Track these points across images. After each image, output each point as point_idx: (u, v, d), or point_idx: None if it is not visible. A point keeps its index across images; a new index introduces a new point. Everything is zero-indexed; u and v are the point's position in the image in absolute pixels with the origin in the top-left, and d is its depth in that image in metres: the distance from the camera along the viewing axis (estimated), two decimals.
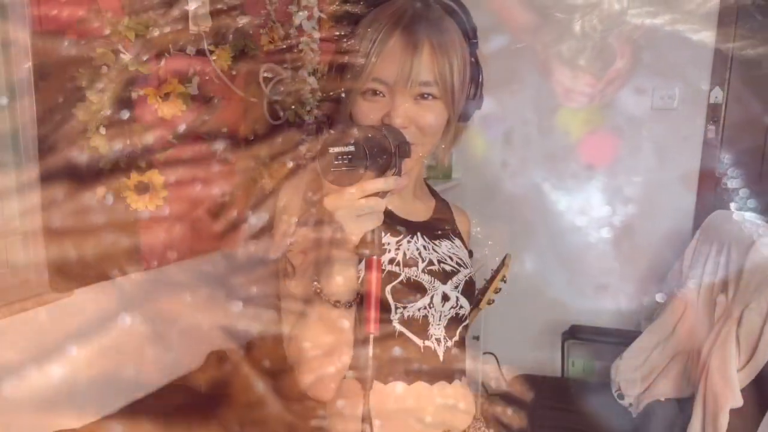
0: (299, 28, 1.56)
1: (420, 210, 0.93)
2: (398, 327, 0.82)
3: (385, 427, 0.80)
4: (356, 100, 0.80)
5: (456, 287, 0.86)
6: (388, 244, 0.84)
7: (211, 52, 1.32)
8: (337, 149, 0.64)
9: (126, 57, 1.15)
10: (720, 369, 1.68)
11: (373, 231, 0.68)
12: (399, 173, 0.71)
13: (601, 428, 2.04)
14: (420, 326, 0.83)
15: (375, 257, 0.69)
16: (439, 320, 0.84)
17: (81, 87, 1.10)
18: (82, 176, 1.13)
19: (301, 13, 1.54)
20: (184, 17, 1.27)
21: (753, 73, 2.25)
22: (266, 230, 0.93)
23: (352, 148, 0.64)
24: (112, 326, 1.23)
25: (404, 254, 0.84)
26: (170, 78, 1.24)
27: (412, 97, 0.79)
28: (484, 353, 2.65)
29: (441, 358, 0.84)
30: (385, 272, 0.81)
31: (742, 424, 1.72)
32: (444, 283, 0.85)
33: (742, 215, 2.08)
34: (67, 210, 1.10)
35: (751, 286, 1.72)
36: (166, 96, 1.23)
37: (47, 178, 1.08)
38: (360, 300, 0.74)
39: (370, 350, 0.68)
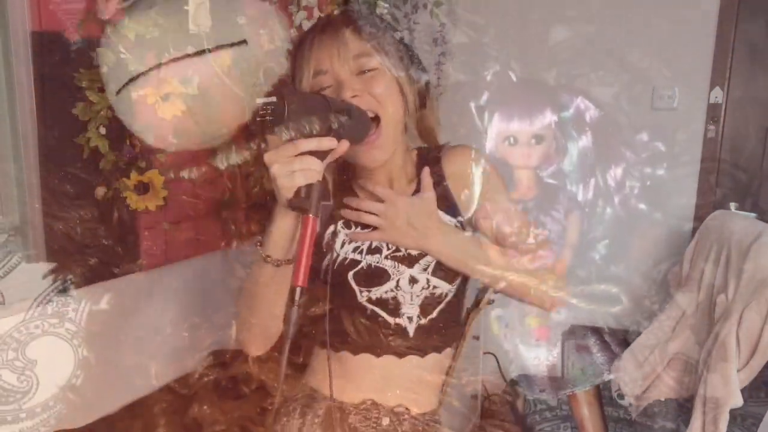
0: (299, 28, 1.56)
1: (399, 193, 0.94)
2: (368, 306, 0.88)
3: (354, 397, 0.88)
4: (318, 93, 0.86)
5: (425, 269, 0.89)
6: (358, 240, 0.89)
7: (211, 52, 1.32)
8: (261, 100, 0.69)
9: (126, 57, 1.15)
10: (720, 369, 1.68)
11: (308, 187, 0.72)
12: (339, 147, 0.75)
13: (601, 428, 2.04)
14: (391, 305, 0.89)
15: (309, 215, 0.72)
16: (411, 300, 0.89)
17: (81, 87, 1.10)
18: (82, 176, 1.13)
19: (301, 13, 1.54)
20: (184, 17, 1.27)
21: (753, 72, 2.25)
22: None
23: (273, 100, 0.69)
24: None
25: (370, 243, 0.89)
26: (170, 78, 1.24)
27: (354, 75, 0.85)
28: (484, 353, 2.65)
29: (411, 334, 0.89)
30: (348, 260, 0.88)
31: (742, 424, 1.72)
32: (410, 266, 0.88)
33: (742, 215, 2.08)
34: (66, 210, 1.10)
35: (751, 286, 1.72)
36: (166, 96, 1.23)
37: (47, 178, 1.08)
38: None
39: (295, 303, 0.70)
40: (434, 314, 0.91)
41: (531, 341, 2.20)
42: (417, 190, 0.92)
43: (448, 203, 0.92)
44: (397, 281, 0.88)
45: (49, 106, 1.09)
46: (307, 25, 1.57)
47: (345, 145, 0.76)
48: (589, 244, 2.47)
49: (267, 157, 0.72)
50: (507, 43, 2.41)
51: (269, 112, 0.69)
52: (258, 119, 0.69)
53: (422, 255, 0.89)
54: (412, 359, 0.90)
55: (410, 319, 0.89)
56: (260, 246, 0.81)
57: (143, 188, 1.22)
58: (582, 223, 2.22)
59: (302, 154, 0.71)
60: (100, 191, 1.17)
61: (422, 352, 0.90)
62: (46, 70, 1.08)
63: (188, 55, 1.28)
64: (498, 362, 2.62)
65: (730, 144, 2.30)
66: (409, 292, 0.88)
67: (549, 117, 1.99)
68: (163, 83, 1.23)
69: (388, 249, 0.89)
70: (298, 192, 0.72)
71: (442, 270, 0.89)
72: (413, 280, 0.88)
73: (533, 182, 2.14)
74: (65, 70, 1.09)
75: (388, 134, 0.86)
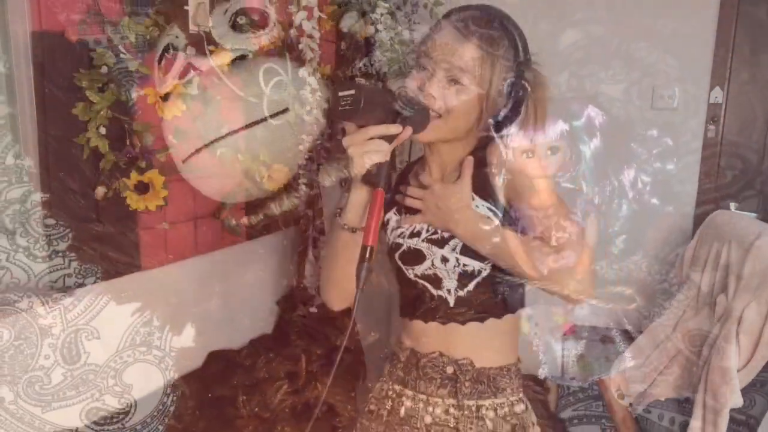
0: (299, 28, 1.56)
1: (449, 180, 1.06)
2: (418, 280, 1.03)
3: (426, 349, 1.04)
4: (410, 72, 0.99)
5: (453, 249, 1.00)
6: (405, 224, 1.03)
7: (212, 52, 1.32)
8: (341, 92, 0.82)
9: (126, 57, 1.15)
10: (720, 369, 1.68)
11: (378, 166, 0.86)
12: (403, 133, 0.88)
13: (602, 428, 2.04)
14: (434, 280, 1.02)
15: (379, 189, 0.86)
16: (449, 276, 1.01)
17: (81, 87, 1.10)
18: (82, 176, 1.13)
19: (301, 13, 1.54)
20: (185, 17, 1.27)
21: (753, 73, 2.25)
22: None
23: (353, 92, 0.81)
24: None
25: (413, 228, 1.02)
26: (170, 78, 1.24)
27: (446, 79, 0.95)
28: None
29: (452, 304, 1.02)
30: (394, 243, 1.04)
31: (742, 424, 1.72)
32: (441, 247, 1.00)
33: (742, 215, 2.08)
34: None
35: (751, 286, 1.72)
36: (166, 96, 1.23)
37: (47, 177, 1.08)
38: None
39: (365, 259, 0.83)
40: (471, 287, 1.01)
41: (559, 336, 2.30)
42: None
43: (487, 190, 1.00)
44: (432, 261, 1.00)
45: (49, 106, 1.09)
46: (307, 25, 1.57)
47: (408, 131, 0.89)
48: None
49: (345, 141, 0.87)
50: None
51: (348, 102, 0.81)
52: (339, 108, 0.82)
53: (452, 236, 0.99)
54: (472, 324, 1.03)
55: (449, 291, 1.01)
56: (339, 215, 0.96)
57: (143, 188, 1.22)
58: (598, 224, 2.23)
59: (373, 138, 0.86)
60: (100, 191, 1.16)
61: (463, 321, 1.03)
62: (46, 70, 1.08)
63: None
64: None
65: (730, 144, 2.30)
66: (446, 269, 1.00)
67: (562, 128, 2.03)
68: (163, 83, 1.24)
69: (427, 232, 1.01)
70: (369, 170, 0.86)
71: (470, 250, 0.99)
72: (444, 259, 1.00)
73: (551, 190, 2.19)
74: (65, 70, 1.09)
75: (441, 126, 0.97)
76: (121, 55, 1.14)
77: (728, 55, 2.23)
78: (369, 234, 0.84)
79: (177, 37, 1.22)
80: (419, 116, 0.92)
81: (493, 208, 1.00)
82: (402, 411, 1.04)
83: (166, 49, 1.20)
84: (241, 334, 1.64)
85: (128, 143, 1.19)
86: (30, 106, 1.07)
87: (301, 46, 1.52)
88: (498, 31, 0.97)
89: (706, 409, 1.71)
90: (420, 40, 1.01)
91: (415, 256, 1.02)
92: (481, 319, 1.03)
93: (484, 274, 1.01)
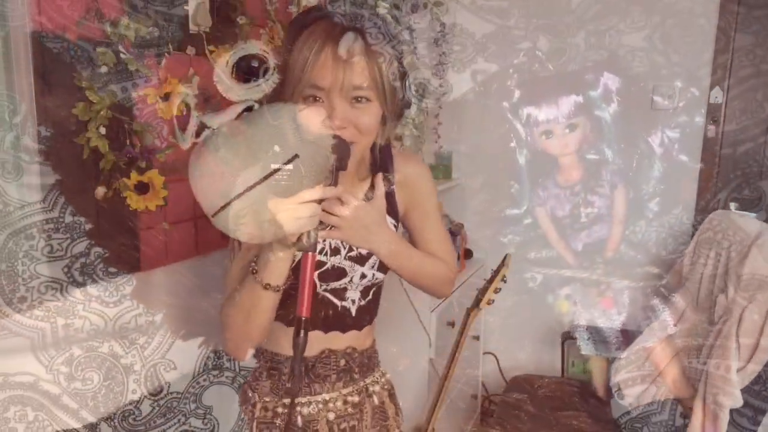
0: None
1: (350, 188, 1.04)
2: (323, 293, 1.02)
3: (314, 351, 1.03)
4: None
5: (373, 266, 1.03)
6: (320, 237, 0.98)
7: (212, 52, 1.32)
8: (280, 165, 0.75)
9: (126, 57, 1.15)
10: (720, 369, 1.68)
11: (308, 231, 0.81)
12: (335, 184, 0.83)
13: (602, 428, 2.04)
14: (340, 292, 1.03)
15: (310, 253, 0.82)
16: (356, 288, 1.04)
17: (81, 87, 1.10)
18: (82, 176, 1.13)
19: None
20: (184, 17, 1.27)
21: (753, 72, 2.25)
22: None
23: (290, 167, 0.75)
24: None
25: (330, 244, 1.00)
26: (170, 78, 1.24)
27: (347, 101, 0.90)
28: (484, 353, 2.65)
29: (353, 314, 1.05)
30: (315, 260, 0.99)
31: (742, 424, 1.72)
32: (362, 265, 1.02)
33: (742, 215, 2.08)
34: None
35: (751, 286, 1.72)
36: (166, 96, 1.23)
37: (47, 177, 1.08)
38: (288, 285, 0.89)
39: (301, 333, 0.81)
40: (370, 296, 1.07)
41: (599, 312, 2.34)
42: (370, 189, 1.04)
43: (391, 207, 1.05)
44: (351, 277, 1.02)
45: (49, 106, 1.09)
46: None
47: (339, 189, 0.85)
48: (590, 244, 2.48)
49: (272, 205, 0.77)
50: (531, 20, 2.40)
51: (285, 178, 0.75)
52: (274, 183, 0.75)
53: (370, 254, 1.02)
54: (354, 333, 1.07)
55: (353, 301, 1.05)
56: (255, 273, 0.88)
57: (143, 188, 1.22)
58: (627, 195, 2.26)
59: (306, 202, 0.79)
60: (100, 191, 1.16)
61: (360, 327, 1.07)
62: (46, 70, 1.08)
63: (188, 55, 1.29)
64: (498, 362, 2.62)
65: (730, 144, 2.30)
66: (357, 284, 1.03)
67: (576, 103, 2.03)
68: (163, 83, 1.24)
69: (344, 248, 1.01)
70: (299, 237, 0.81)
71: (384, 265, 1.04)
72: (363, 276, 1.03)
73: (575, 165, 2.21)
74: (65, 70, 1.09)
75: (355, 155, 0.93)
76: (121, 55, 1.14)
77: (728, 54, 2.23)
78: (303, 304, 0.80)
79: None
80: (344, 158, 0.84)
81: (394, 221, 1.06)
82: (299, 420, 1.03)
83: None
84: None
85: (128, 143, 1.19)
86: (30, 106, 1.07)
87: None
88: (374, 28, 0.92)
89: (706, 408, 1.71)
90: (287, 72, 0.91)
91: (338, 274, 1.01)
92: (360, 328, 1.08)
93: (380, 282, 1.07)
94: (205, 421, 1.46)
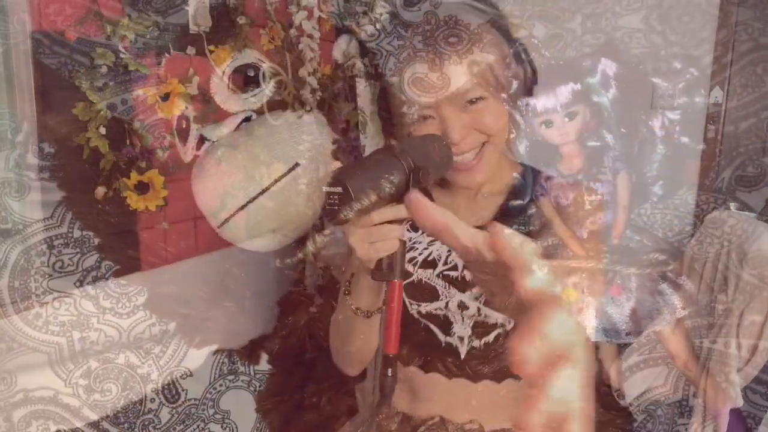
0: (299, 27, 1.56)
1: (482, 211, 0.91)
2: (422, 319, 0.84)
3: (402, 422, 0.85)
4: (412, 123, 0.81)
5: (477, 298, 0.83)
6: (419, 243, 0.85)
7: (212, 52, 1.32)
8: (327, 188, 0.65)
9: (126, 57, 1.15)
10: (720, 369, 1.68)
11: (390, 257, 0.68)
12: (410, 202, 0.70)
13: (602, 428, 2.04)
14: (442, 322, 0.84)
15: (396, 280, 0.69)
16: (463, 322, 0.84)
17: (81, 87, 1.10)
18: (82, 176, 1.13)
19: (300, 13, 1.54)
20: (184, 17, 1.27)
21: (752, 47, 2.24)
22: None
23: (339, 189, 0.64)
24: None
25: (427, 256, 0.84)
26: (170, 78, 1.24)
27: (460, 108, 0.81)
28: None
29: (462, 356, 0.83)
30: None
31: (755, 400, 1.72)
32: (462, 291, 0.84)
33: (741, 215, 2.08)
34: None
35: (751, 286, 1.72)
36: (166, 96, 1.23)
37: (53, 194, 1.09)
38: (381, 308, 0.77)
39: (389, 372, 0.68)
40: (491, 338, 0.84)
41: (608, 299, 2.34)
42: (506, 202, 0.90)
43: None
44: (446, 303, 0.84)
45: (49, 106, 1.09)
46: (306, 25, 1.56)
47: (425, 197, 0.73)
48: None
49: (345, 228, 0.69)
50: (527, 7, 2.38)
51: (336, 201, 0.64)
52: (328, 209, 0.65)
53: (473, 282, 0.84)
54: (485, 383, 0.84)
55: (461, 339, 0.84)
56: (348, 294, 0.79)
57: (143, 188, 1.22)
58: (631, 180, 2.25)
59: (379, 224, 0.67)
60: (100, 191, 1.16)
61: (475, 378, 0.85)
62: (46, 70, 1.07)
63: (188, 55, 1.29)
64: None
65: (730, 144, 2.29)
66: (461, 315, 0.84)
67: (575, 91, 2.03)
68: (163, 83, 1.24)
69: (444, 264, 0.84)
70: (379, 263, 0.69)
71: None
72: (463, 306, 0.84)
73: (577, 153, 2.21)
74: (65, 70, 1.09)
75: (489, 158, 0.83)
76: (121, 55, 1.14)
77: (728, 54, 2.23)
78: (390, 341, 0.68)
79: (187, 107, 1.26)
80: (436, 163, 0.72)
81: None
82: None
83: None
84: (241, 334, 1.64)
85: (128, 143, 1.19)
86: (30, 106, 1.07)
87: (301, 46, 1.52)
88: (474, 19, 0.83)
89: (706, 409, 1.71)
90: (391, 93, 0.82)
91: (427, 293, 0.85)
92: (498, 379, 0.85)
93: (508, 327, 0.85)
94: (224, 425, 1.49)
